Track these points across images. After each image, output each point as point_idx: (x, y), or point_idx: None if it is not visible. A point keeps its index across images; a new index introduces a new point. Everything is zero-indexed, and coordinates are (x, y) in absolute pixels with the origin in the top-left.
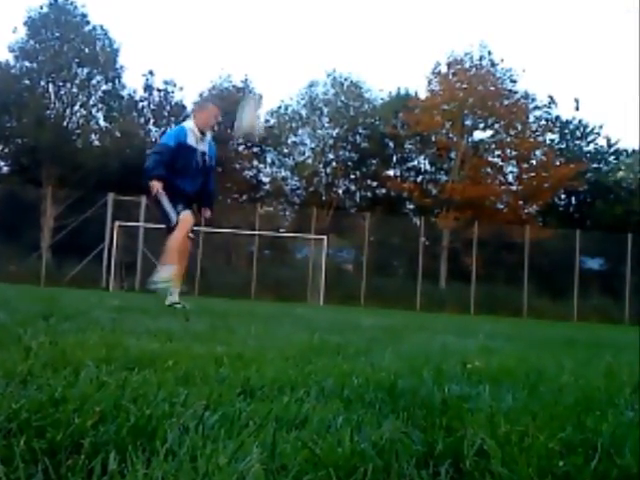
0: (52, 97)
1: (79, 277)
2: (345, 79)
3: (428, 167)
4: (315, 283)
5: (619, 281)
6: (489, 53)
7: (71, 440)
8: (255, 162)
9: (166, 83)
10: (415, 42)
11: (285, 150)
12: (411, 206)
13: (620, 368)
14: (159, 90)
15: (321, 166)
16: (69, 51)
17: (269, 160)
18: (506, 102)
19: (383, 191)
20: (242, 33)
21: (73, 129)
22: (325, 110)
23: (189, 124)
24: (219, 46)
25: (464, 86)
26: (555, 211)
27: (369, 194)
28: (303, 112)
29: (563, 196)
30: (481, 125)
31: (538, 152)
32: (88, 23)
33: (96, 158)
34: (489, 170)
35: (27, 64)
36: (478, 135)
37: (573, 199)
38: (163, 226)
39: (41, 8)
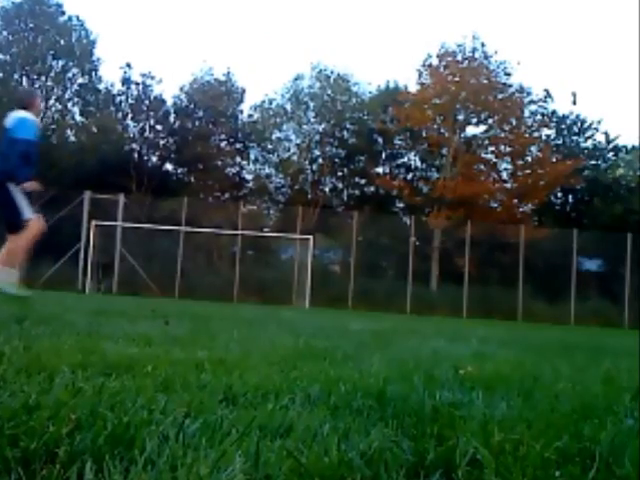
0: None
1: (54, 279)
2: (331, 72)
3: (419, 164)
4: (301, 285)
5: (618, 283)
6: (482, 45)
7: (46, 449)
8: (238, 159)
9: (144, 76)
10: (405, 33)
11: (269, 146)
12: (401, 204)
13: (619, 374)
14: (137, 84)
15: (307, 163)
16: (44, 43)
17: (252, 157)
18: (500, 96)
19: (372, 189)
20: (225, 24)
21: (48, 124)
22: (311, 104)
23: (31, 115)
24: (200, 37)
25: (456, 79)
26: (551, 210)
27: (357, 192)
28: (288, 106)
29: (560, 194)
30: (474, 120)
31: (533, 148)
32: (63, 13)
33: (72, 154)
34: (482, 167)
35: (0, 56)
36: (471, 130)
37: (570, 197)
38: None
39: None
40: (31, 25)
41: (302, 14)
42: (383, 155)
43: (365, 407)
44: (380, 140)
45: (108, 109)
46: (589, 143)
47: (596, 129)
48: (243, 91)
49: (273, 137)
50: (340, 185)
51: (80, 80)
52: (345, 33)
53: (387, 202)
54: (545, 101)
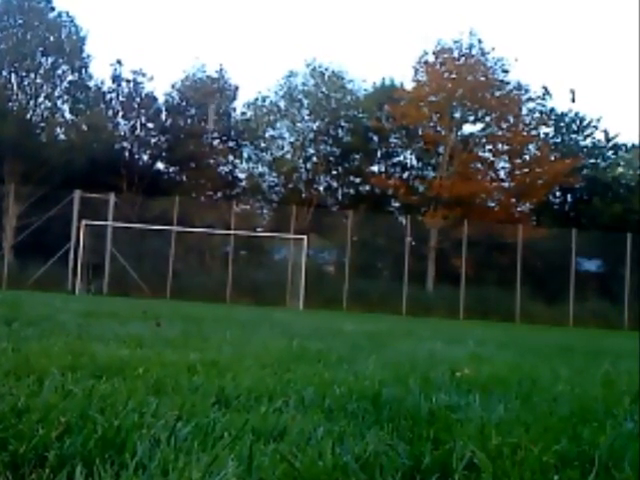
0: (15, 88)
1: (43, 279)
2: (326, 69)
3: (415, 162)
4: (294, 286)
5: (618, 284)
6: (479, 41)
7: (35, 453)
8: (231, 157)
9: (135, 73)
10: (401, 29)
11: (263, 144)
12: (397, 204)
13: (619, 376)
14: (128, 81)
15: (301, 161)
16: (33, 39)
17: (245, 155)
18: (497, 93)
19: (367, 188)
20: (217, 20)
21: (37, 122)
22: (305, 102)
23: None
24: (192, 33)
25: (453, 76)
26: (550, 209)
27: (352, 191)
28: (281, 104)
29: (558, 193)
30: (471, 118)
31: (531, 147)
32: (53, 9)
33: (62, 153)
34: (479, 166)
35: None
36: (468, 128)
37: (569, 196)
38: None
39: None
40: (20, 21)
41: (296, 10)
42: (378, 153)
43: (360, 410)
44: (375, 138)
45: (98, 107)
46: (588, 141)
47: (595, 127)
48: (236, 88)
49: (266, 135)
50: (335, 184)
51: (70, 77)
52: (340, 29)
53: (382, 201)
54: (543, 98)
